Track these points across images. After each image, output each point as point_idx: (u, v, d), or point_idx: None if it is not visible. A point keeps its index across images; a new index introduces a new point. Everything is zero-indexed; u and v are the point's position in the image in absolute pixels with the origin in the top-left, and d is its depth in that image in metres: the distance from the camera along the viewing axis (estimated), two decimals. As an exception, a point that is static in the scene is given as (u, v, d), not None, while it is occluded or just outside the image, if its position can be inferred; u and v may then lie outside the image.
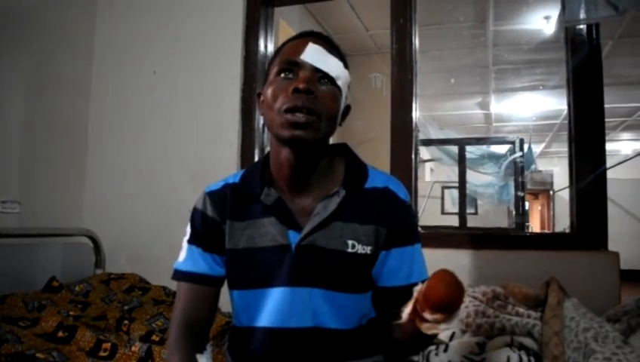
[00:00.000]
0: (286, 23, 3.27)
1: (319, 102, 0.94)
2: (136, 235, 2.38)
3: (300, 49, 0.96)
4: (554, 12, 4.34)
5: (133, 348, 1.46)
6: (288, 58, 0.97)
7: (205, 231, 1.06)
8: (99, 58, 2.56)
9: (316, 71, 0.96)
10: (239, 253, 1.03)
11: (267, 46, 2.41)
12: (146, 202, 2.38)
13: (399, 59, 2.14)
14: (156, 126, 2.43)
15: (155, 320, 1.75)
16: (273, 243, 1.00)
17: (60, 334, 1.50)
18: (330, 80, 0.97)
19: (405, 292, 0.86)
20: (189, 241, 1.07)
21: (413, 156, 2.10)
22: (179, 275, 1.06)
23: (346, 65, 1.01)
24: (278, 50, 1.03)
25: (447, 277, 0.77)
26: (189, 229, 1.09)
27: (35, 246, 2.08)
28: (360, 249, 1.00)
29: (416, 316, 0.80)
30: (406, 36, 2.13)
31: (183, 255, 1.07)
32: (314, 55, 0.96)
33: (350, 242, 0.99)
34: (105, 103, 2.52)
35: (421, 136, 5.81)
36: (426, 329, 0.79)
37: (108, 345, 1.46)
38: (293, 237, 0.99)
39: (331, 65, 0.97)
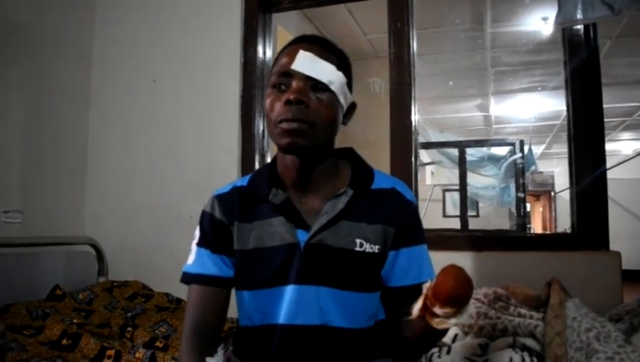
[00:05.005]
0: (284, 29, 3.28)
1: (312, 111, 0.96)
2: (138, 243, 2.38)
3: (293, 58, 0.98)
4: (551, 13, 4.35)
5: (137, 355, 1.47)
6: (280, 70, 0.99)
7: (213, 233, 1.07)
8: (98, 68, 2.57)
9: (308, 79, 0.97)
10: (248, 254, 1.04)
11: (265, 52, 2.42)
12: (147, 209, 2.39)
13: (397, 63, 2.15)
14: (156, 134, 2.44)
15: (158, 327, 1.76)
16: (282, 243, 1.01)
17: (64, 342, 1.51)
18: (324, 85, 0.98)
19: (416, 292, 0.87)
20: (198, 244, 1.09)
21: (413, 159, 2.11)
22: (187, 278, 1.07)
23: (341, 65, 1.01)
24: (276, 58, 1.05)
25: (455, 272, 0.79)
26: (197, 232, 1.10)
27: (38, 256, 2.09)
28: (368, 248, 1.01)
29: (426, 312, 0.82)
30: (403, 40, 2.15)
31: (191, 258, 1.08)
32: (304, 63, 0.97)
33: (358, 241, 1.01)
34: (105, 112, 2.53)
35: (421, 139, 5.83)
36: (437, 324, 0.80)
37: (112, 352, 1.47)
38: (302, 236, 1.01)
39: (322, 71, 0.97)
